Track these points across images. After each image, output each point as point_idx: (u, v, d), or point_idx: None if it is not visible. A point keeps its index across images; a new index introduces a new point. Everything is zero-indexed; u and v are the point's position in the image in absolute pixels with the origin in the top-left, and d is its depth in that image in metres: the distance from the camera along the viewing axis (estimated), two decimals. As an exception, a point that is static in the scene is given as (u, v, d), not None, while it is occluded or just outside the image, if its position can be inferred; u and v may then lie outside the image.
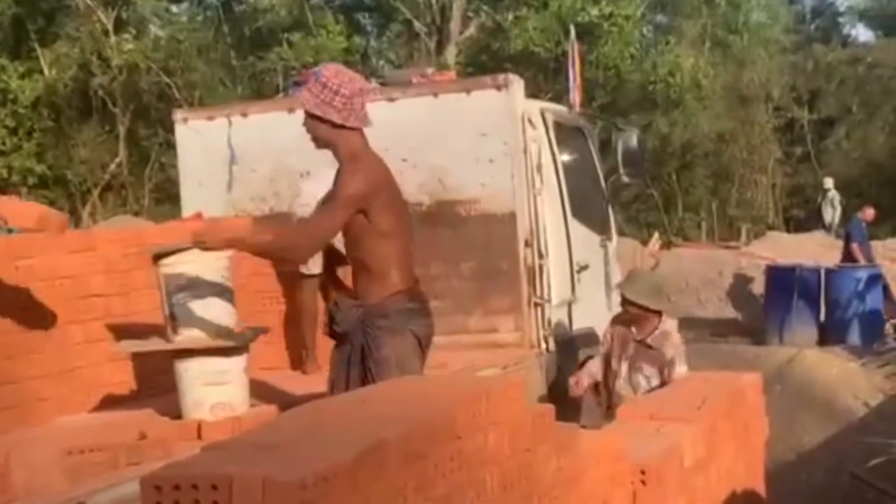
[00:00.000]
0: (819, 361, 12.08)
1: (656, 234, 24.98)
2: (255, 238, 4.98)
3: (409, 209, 5.58)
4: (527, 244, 8.07)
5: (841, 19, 41.33)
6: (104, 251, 6.73)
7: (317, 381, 6.46)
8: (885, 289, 15.85)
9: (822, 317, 15.70)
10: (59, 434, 5.56)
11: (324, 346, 7.50)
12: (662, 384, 6.69)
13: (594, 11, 26.17)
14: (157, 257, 5.65)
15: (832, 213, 24.41)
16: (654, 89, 28.43)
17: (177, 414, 5.65)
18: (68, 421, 5.98)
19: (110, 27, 26.51)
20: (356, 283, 4.97)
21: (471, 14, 29.19)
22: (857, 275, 15.66)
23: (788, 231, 26.99)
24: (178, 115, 9.18)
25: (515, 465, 3.40)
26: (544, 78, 26.55)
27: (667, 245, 24.43)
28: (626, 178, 9.46)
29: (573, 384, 7.12)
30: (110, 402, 6.46)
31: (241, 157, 8.66)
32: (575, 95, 9.69)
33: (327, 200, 4.85)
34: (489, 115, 8.07)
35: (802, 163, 33.74)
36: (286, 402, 5.59)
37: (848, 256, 16.38)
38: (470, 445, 3.16)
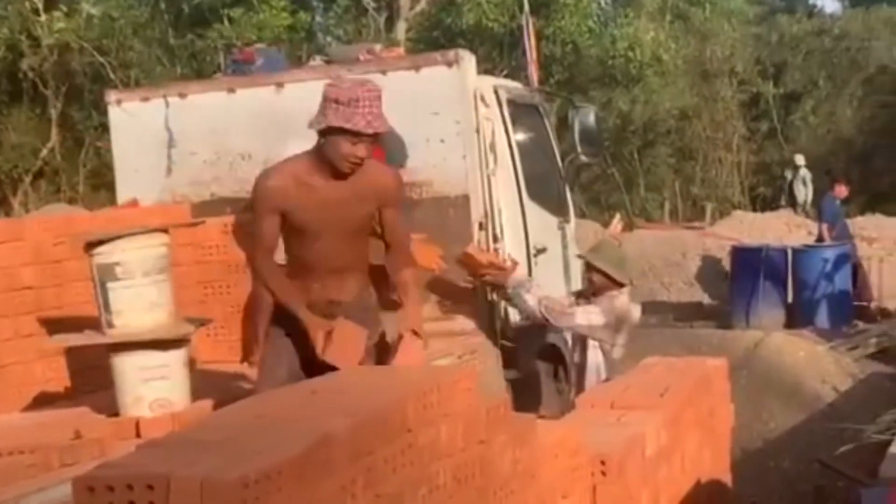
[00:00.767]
0: (786, 345, 12.18)
1: (618, 216, 24.89)
2: (417, 299, 5.34)
3: None
4: (481, 227, 8.07)
5: (806, -11, 41.65)
6: (34, 240, 6.66)
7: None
8: (856, 269, 15.92)
9: (790, 298, 15.82)
10: (-12, 435, 5.51)
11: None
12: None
13: (550, -17, 26.18)
14: (90, 246, 5.60)
15: (804, 191, 24.58)
16: (614, 64, 28.47)
17: (114, 411, 5.60)
18: (-1, 421, 5.92)
19: (40, 5, 26.17)
20: (344, 287, 5.20)
21: (421, -13, 29.12)
22: (824, 254, 15.75)
23: (754, 210, 27.14)
24: (111, 96, 9.08)
25: (470, 459, 3.40)
26: (499, 54, 26.54)
27: (629, 227, 24.51)
28: (583, 158, 9.47)
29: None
30: (43, 401, 6.39)
31: (180, 140, 8.59)
32: (531, 71, 9.69)
33: (396, 205, 5.22)
34: (440, 93, 8.05)
35: (768, 139, 33.94)
36: (230, 396, 5.55)
37: (821, 236, 16.45)
38: (422, 439, 3.16)
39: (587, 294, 7.16)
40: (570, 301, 7.31)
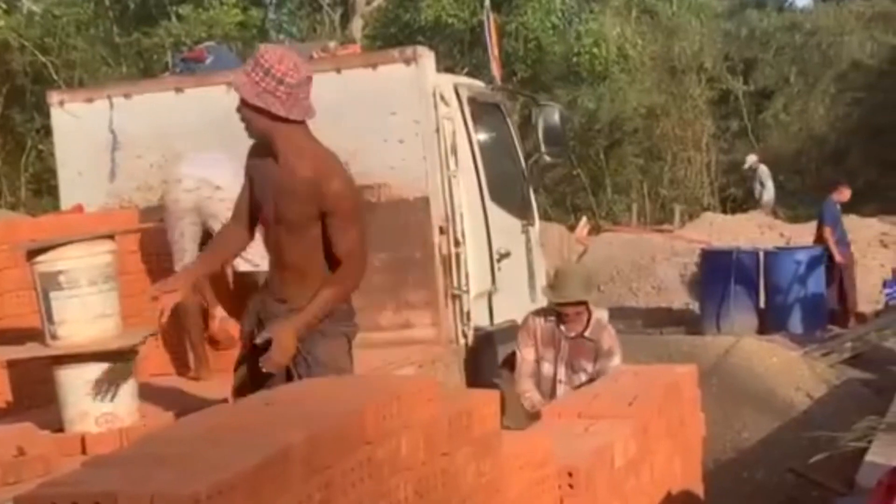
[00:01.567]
0: (758, 351, 12.25)
1: (584, 219, 25.18)
2: (317, 307, 4.96)
3: None
4: (441, 231, 8.07)
5: (776, -18, 41.88)
6: (-29, 249, 6.61)
7: (212, 386, 6.43)
8: (831, 271, 15.91)
9: (762, 303, 15.89)
10: (-74, 453, 5.46)
11: (216, 351, 7.49)
12: (594, 377, 6.76)
13: (512, -22, 26.29)
14: (32, 254, 5.56)
15: (760, 189, 24.76)
16: (579, 61, 28.59)
17: (58, 427, 5.56)
18: (-63, 438, 5.86)
19: (-23, 1, 26.03)
20: (285, 287, 5.08)
21: (378, -18, 29.13)
22: (797, 257, 15.83)
23: (725, 212, 27.27)
24: (53, 97, 9.02)
25: (431, 472, 3.41)
26: (459, 51, 26.60)
27: (595, 230, 24.63)
28: (548, 158, 9.51)
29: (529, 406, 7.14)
30: (-16, 416, 6.35)
31: (125, 143, 8.54)
32: (493, 69, 9.71)
33: (339, 214, 4.93)
34: (398, 92, 8.05)
35: (739, 138, 34.07)
36: (180, 410, 5.54)
37: (819, 239, 16.36)
38: (381, 451, 3.16)
39: (551, 317, 7.15)
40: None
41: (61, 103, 8.85)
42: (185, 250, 7.26)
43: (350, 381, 4.51)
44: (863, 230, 19.77)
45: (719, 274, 15.88)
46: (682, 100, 32.25)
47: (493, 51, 9.99)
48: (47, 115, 9.69)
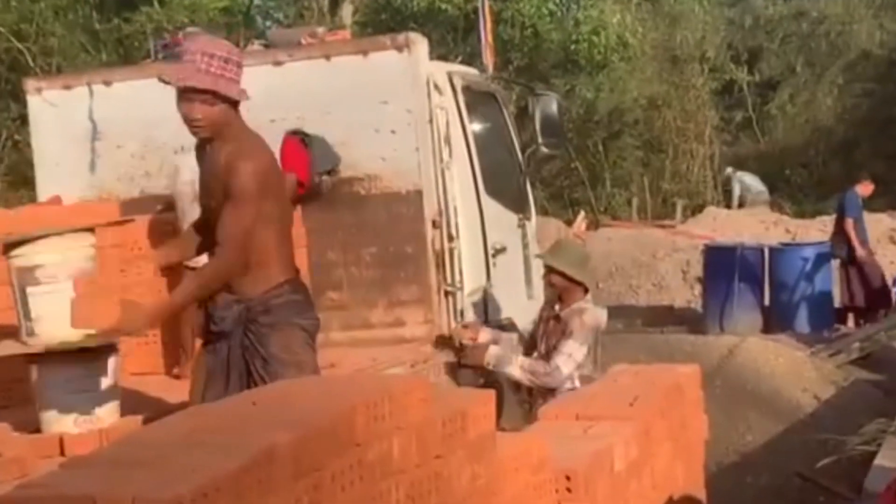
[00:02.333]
0: (763, 351, 12.27)
1: (582, 213, 25.17)
2: (181, 293, 4.99)
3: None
4: (435, 225, 8.08)
5: (782, -32, 41.92)
6: (-55, 243, 6.58)
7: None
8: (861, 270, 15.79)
9: (767, 301, 15.88)
10: None
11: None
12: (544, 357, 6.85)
13: (507, -38, 26.27)
14: (8, 247, 5.55)
15: (740, 191, 25.22)
16: (577, 50, 28.54)
17: (35, 427, 5.57)
18: None
19: (-49, -14, 25.98)
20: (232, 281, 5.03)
21: (369, -34, 29.12)
22: (804, 253, 15.81)
23: (728, 206, 27.30)
24: (29, 84, 9.03)
25: (424, 475, 3.40)
26: (453, 38, 26.57)
27: (594, 225, 24.62)
28: (545, 149, 9.51)
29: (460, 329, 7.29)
30: (-42, 417, 6.33)
31: (105, 132, 8.55)
32: (487, 57, 9.71)
33: (229, 197, 4.83)
34: (389, 80, 8.05)
35: (743, 129, 34.11)
36: (162, 410, 5.53)
37: (839, 232, 16.25)
38: (372, 453, 3.15)
39: (552, 302, 7.15)
40: (543, 328, 7.21)
41: (39, 91, 8.85)
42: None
43: (340, 380, 4.51)
44: (872, 226, 19.70)
45: (723, 271, 15.85)
46: (684, 90, 32.22)
47: (487, 38, 9.99)
48: (24, 104, 9.69)
